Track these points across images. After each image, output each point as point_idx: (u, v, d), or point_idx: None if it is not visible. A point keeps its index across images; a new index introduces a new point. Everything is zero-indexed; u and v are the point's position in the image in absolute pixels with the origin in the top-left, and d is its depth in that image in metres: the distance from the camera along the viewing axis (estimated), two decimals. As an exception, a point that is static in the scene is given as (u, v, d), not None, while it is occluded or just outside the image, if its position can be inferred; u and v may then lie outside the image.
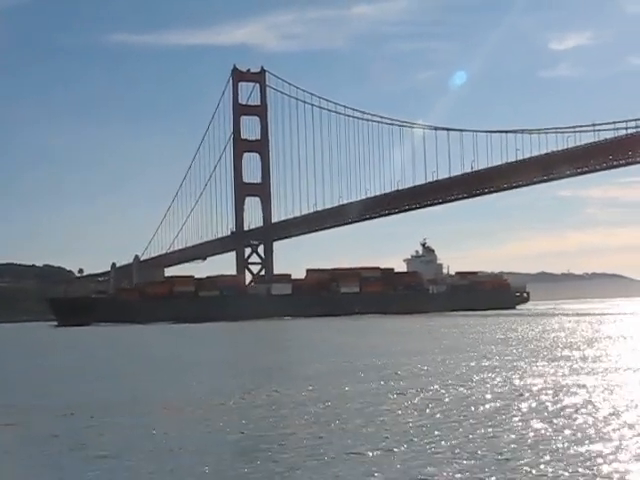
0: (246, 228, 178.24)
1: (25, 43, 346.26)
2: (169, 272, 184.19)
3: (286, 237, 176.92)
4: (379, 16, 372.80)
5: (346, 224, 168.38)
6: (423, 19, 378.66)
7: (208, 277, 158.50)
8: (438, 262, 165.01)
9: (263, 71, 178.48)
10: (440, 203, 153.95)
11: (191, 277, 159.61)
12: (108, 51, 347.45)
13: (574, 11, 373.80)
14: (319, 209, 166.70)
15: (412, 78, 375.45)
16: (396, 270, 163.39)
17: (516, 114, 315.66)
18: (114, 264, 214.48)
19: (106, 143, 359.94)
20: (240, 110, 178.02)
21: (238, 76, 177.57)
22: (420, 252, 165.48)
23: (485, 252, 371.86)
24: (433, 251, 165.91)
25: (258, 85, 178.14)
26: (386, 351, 44.18)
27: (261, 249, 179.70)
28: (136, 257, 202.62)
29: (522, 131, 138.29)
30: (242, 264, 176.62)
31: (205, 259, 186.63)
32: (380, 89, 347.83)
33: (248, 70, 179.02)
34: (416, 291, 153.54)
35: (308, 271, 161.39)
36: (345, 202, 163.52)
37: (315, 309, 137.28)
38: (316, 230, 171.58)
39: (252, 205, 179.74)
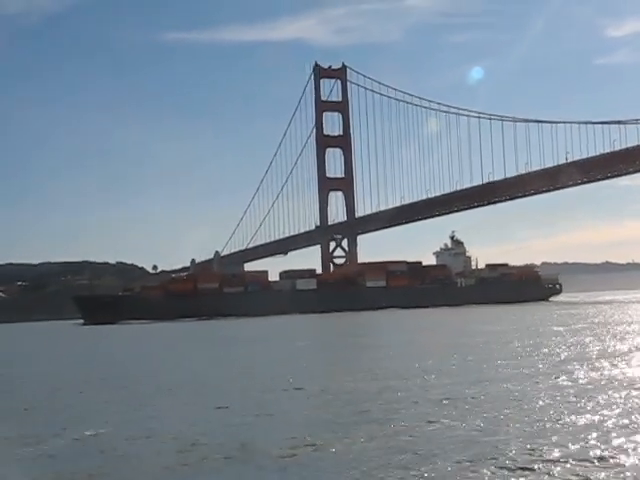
0: (330, 222, 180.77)
1: (84, 43, 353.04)
2: (249, 267, 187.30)
3: (369, 231, 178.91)
4: (432, 7, 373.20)
5: (431, 217, 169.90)
6: (475, 9, 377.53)
7: (232, 274, 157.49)
8: (467, 255, 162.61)
9: (344, 67, 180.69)
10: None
11: (215, 273, 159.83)
12: (162, 49, 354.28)
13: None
14: (405, 203, 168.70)
15: (467, 69, 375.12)
16: (426, 264, 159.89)
17: (571, 102, 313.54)
18: (193, 260, 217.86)
19: (182, 139, 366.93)
20: (322, 106, 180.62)
21: (320, 73, 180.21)
22: (449, 245, 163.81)
23: (543, 242, 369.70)
24: (462, 244, 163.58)
25: (339, 81, 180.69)
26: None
27: (345, 243, 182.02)
28: (216, 253, 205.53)
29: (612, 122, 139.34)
30: (327, 258, 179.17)
31: (286, 253, 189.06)
32: (435, 80, 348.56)
33: (329, 67, 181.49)
34: (444, 284, 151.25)
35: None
36: (432, 195, 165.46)
37: (340, 304, 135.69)
38: (400, 224, 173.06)
39: (336, 199, 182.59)
